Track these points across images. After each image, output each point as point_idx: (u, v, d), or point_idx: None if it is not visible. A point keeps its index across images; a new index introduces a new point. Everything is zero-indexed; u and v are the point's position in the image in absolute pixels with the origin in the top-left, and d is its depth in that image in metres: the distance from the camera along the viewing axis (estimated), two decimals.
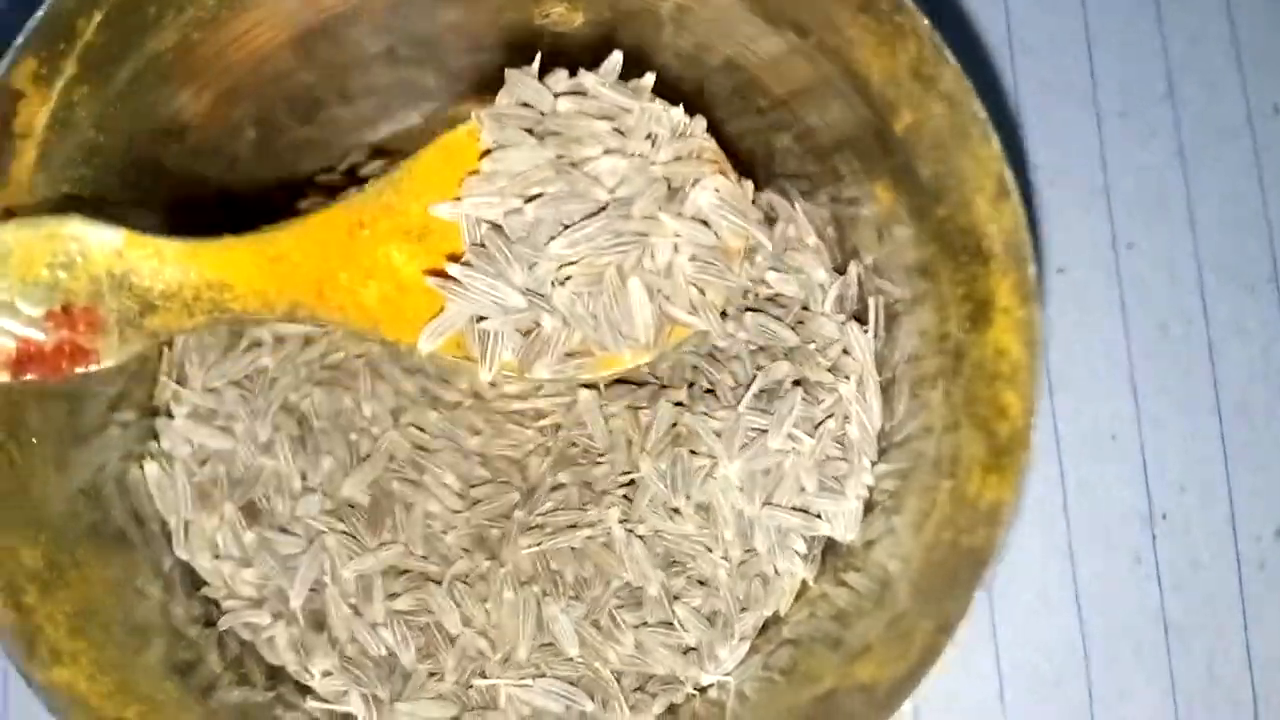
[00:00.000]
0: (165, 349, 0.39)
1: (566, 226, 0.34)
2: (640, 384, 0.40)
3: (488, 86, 0.42)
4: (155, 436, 0.39)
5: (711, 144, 0.36)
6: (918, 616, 0.32)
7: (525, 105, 0.35)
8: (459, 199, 0.35)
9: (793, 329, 0.39)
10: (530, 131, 0.35)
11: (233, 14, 0.34)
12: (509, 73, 0.35)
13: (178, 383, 0.39)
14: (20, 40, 0.30)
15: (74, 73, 0.31)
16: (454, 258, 0.35)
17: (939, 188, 0.32)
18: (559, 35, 0.39)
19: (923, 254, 0.34)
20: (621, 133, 0.35)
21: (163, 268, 0.33)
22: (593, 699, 0.37)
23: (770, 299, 0.41)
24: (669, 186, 0.35)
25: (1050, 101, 0.49)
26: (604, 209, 0.34)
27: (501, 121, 0.35)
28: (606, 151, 0.35)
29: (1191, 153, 0.49)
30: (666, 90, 0.40)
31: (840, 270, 0.40)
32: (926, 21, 0.31)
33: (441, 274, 0.34)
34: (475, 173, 0.35)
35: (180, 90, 0.35)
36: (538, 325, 0.35)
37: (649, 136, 0.35)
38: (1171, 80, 0.49)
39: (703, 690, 0.38)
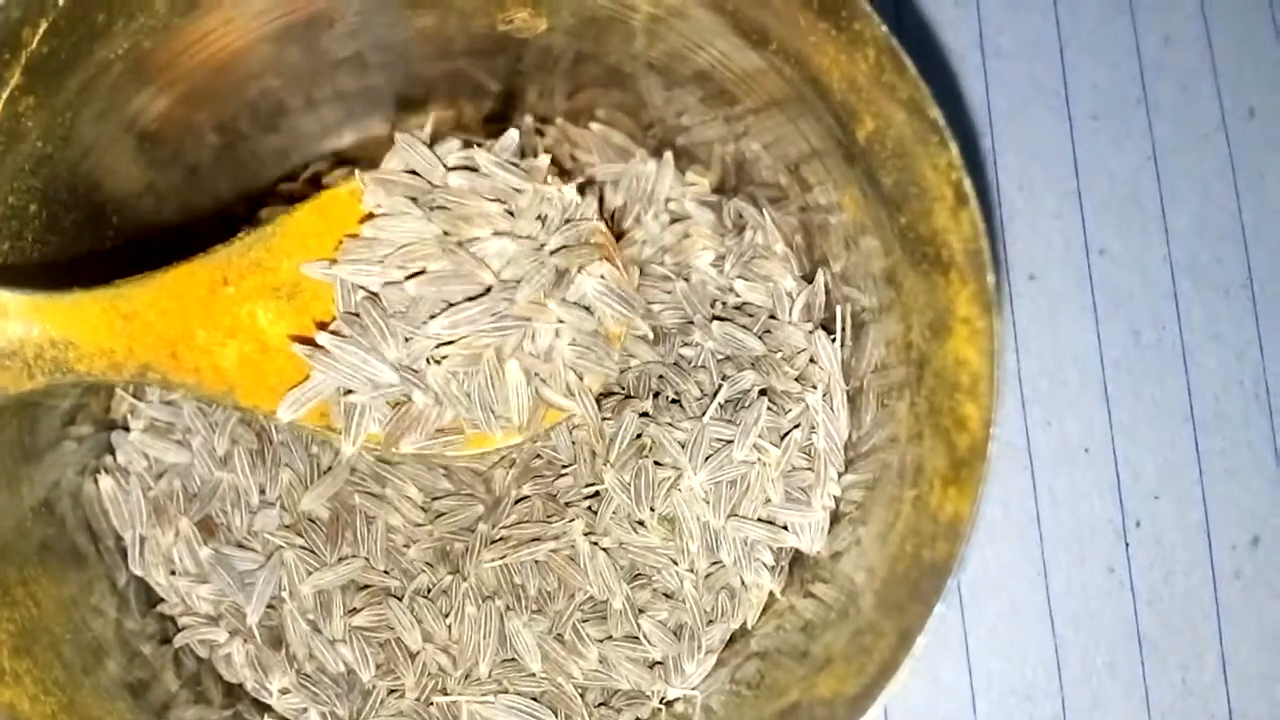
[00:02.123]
0: None
1: (448, 305, 0.34)
2: (605, 394, 0.39)
3: (455, 94, 0.42)
4: (111, 450, 0.38)
5: (600, 226, 0.35)
6: (880, 629, 0.32)
7: (413, 173, 0.35)
8: (334, 261, 0.34)
9: (760, 338, 0.39)
10: (415, 201, 0.34)
11: (186, 21, 0.33)
12: (399, 137, 0.35)
13: (134, 396, 0.38)
14: None
15: (20, 83, 0.31)
16: (322, 323, 0.34)
17: (900, 196, 0.32)
18: (526, 42, 0.39)
19: (888, 262, 0.34)
20: (512, 214, 0.35)
21: (5, 323, 0.30)
22: (556, 715, 0.37)
23: (737, 308, 0.40)
24: (556, 271, 0.35)
25: (1022, 105, 0.48)
26: (488, 291, 0.34)
27: (387, 187, 0.34)
28: (496, 233, 0.34)
29: (1165, 156, 0.48)
30: (637, 98, 0.40)
31: (808, 279, 0.40)
32: (884, 28, 0.30)
33: (309, 341, 0.33)
34: (354, 236, 0.34)
35: (134, 98, 0.34)
36: (408, 399, 0.34)
37: (539, 217, 0.35)
38: (1145, 83, 0.49)
39: (669, 704, 0.38)
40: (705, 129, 0.40)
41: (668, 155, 0.42)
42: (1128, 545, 0.45)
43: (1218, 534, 0.46)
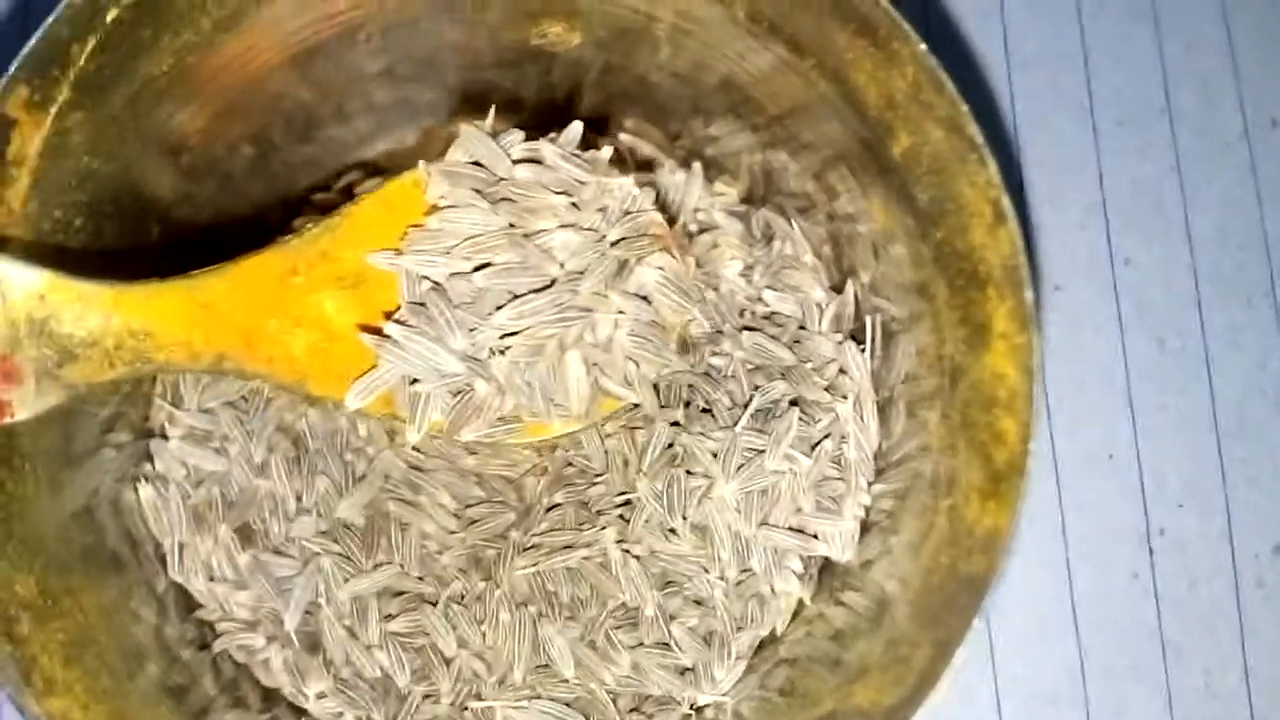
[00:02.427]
0: None
1: (515, 297, 0.34)
2: (634, 404, 0.40)
3: (485, 105, 0.42)
4: (149, 458, 0.39)
5: (659, 217, 0.36)
6: (916, 640, 0.32)
7: (476, 164, 0.35)
8: (399, 251, 0.34)
9: (790, 348, 0.39)
10: (480, 193, 0.34)
11: (228, 36, 0.34)
12: (463, 129, 0.35)
13: (172, 404, 0.39)
14: (13, 68, 0.30)
15: (68, 98, 0.31)
16: (386, 312, 0.34)
17: (936, 212, 0.32)
18: (556, 54, 0.39)
19: (920, 274, 0.34)
20: (576, 206, 0.35)
21: (86, 313, 0.30)
22: None
23: (767, 318, 0.41)
24: (617, 262, 0.35)
25: (1047, 115, 0.48)
26: (553, 283, 0.34)
27: (453, 179, 0.34)
28: (562, 226, 0.34)
29: (1188, 166, 0.49)
30: (665, 109, 0.41)
31: (837, 289, 0.40)
32: (923, 46, 0.31)
33: (376, 330, 0.34)
34: (419, 226, 0.34)
35: (176, 113, 0.35)
36: (470, 388, 0.34)
37: (601, 209, 0.35)
38: (1169, 93, 0.49)
39: (699, 710, 0.38)
40: (733, 139, 0.40)
41: (696, 166, 0.42)
42: (1151, 552, 0.46)
43: (1241, 542, 0.46)
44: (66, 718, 0.30)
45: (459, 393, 0.34)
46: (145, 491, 0.38)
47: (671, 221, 0.40)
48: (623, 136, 0.43)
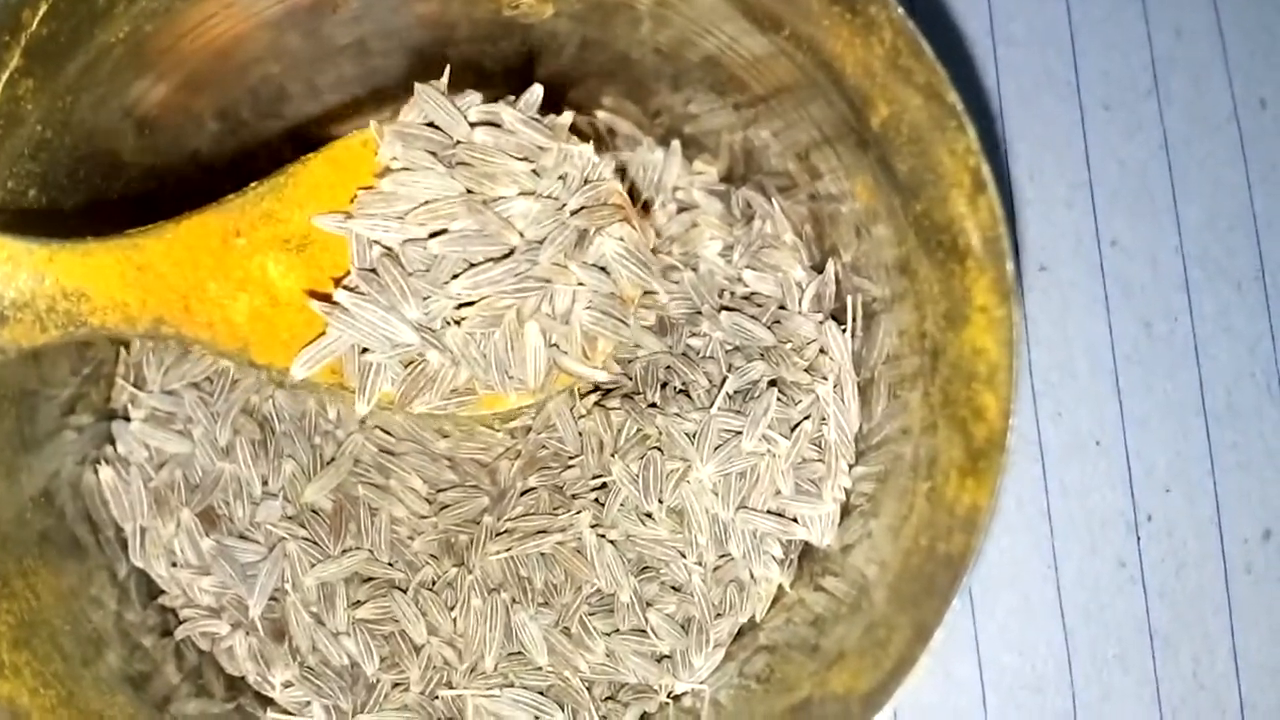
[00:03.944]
0: (122, 349, 0.38)
1: (471, 265, 0.33)
2: (613, 386, 0.39)
3: (459, 82, 0.41)
4: (111, 440, 0.38)
5: (619, 186, 0.35)
6: (894, 623, 0.31)
7: (431, 126, 0.34)
8: (349, 214, 0.33)
9: (769, 328, 0.39)
10: (435, 155, 0.33)
11: (188, 4, 0.33)
12: (419, 88, 0.33)
13: (135, 385, 0.38)
14: None
15: (19, 65, 0.30)
16: (334, 277, 0.33)
17: (916, 182, 0.31)
18: (531, 27, 0.38)
19: (901, 251, 0.34)
20: (537, 173, 0.34)
21: (16, 273, 0.29)
22: (562, 709, 0.36)
23: (746, 298, 0.40)
24: (577, 232, 0.34)
25: (1033, 95, 0.48)
26: (512, 252, 0.33)
27: (406, 140, 0.33)
28: (522, 193, 0.33)
29: (1177, 147, 0.48)
30: (644, 86, 0.40)
31: (818, 268, 0.39)
32: (901, 11, 0.30)
33: (324, 297, 0.32)
34: (369, 188, 0.33)
35: (135, 83, 0.34)
36: (422, 358, 0.33)
37: (561, 176, 0.34)
38: (1156, 73, 0.48)
39: (676, 699, 0.37)
40: (713, 117, 0.40)
41: (675, 144, 0.41)
42: (1139, 539, 0.45)
43: (1229, 528, 0.45)
44: (14, 701, 0.29)
45: (411, 363, 0.33)
46: (106, 474, 0.37)
47: (632, 194, 0.39)
48: (600, 114, 0.42)
